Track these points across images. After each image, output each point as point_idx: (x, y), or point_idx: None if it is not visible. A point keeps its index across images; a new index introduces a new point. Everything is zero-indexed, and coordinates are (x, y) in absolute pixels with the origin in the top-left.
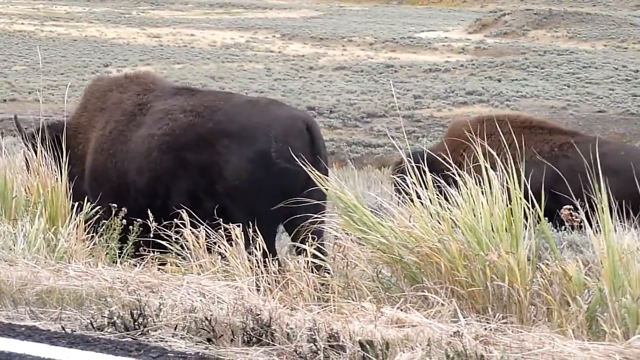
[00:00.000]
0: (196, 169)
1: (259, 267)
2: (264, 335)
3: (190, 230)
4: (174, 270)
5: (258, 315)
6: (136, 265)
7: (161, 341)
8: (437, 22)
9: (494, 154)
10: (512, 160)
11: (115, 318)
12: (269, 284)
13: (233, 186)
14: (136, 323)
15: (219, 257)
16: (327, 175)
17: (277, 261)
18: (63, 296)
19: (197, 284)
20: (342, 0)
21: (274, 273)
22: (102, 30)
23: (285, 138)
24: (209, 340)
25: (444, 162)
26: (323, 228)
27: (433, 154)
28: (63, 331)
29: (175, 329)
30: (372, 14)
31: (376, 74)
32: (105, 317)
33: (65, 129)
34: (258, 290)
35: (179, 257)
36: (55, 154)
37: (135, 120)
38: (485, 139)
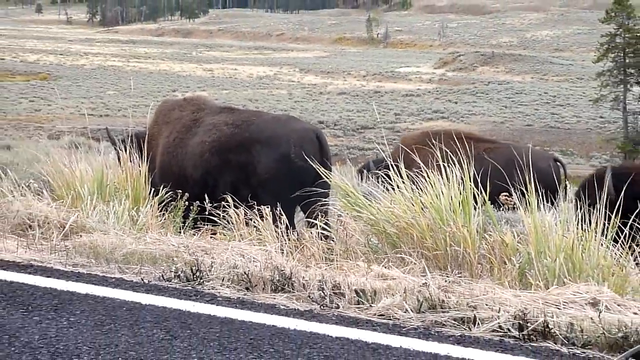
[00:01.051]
0: (236, 167)
1: (282, 236)
2: (286, 285)
3: (234, 209)
4: (221, 238)
5: (282, 270)
6: (194, 235)
7: (212, 289)
8: (412, 60)
9: (438, 157)
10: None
11: (179, 272)
12: (290, 248)
13: (264, 179)
14: (194, 276)
15: (254, 229)
16: (331, 171)
17: (295, 232)
18: (142, 256)
19: (238, 248)
20: (343, 45)
21: (293, 240)
22: (170, 65)
23: (301, 144)
24: (246, 288)
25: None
26: (329, 208)
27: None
28: (142, 282)
29: (222, 280)
30: (365, 54)
31: (367, 98)
32: (172, 271)
33: (144, 136)
34: (282, 252)
35: (225, 229)
36: (138, 154)
37: (191, 131)
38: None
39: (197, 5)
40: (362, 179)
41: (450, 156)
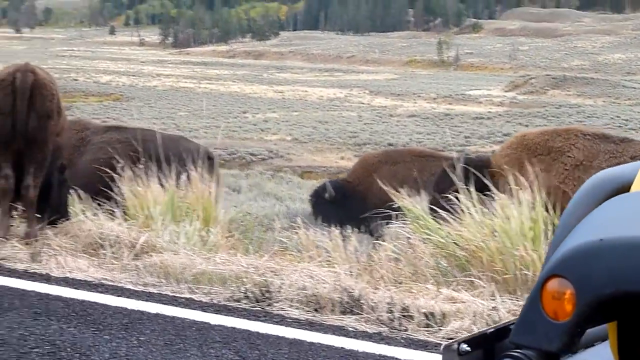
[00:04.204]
0: None
1: (352, 258)
2: (355, 307)
3: (304, 231)
4: (291, 259)
5: (351, 292)
6: (264, 255)
7: (281, 310)
8: (482, 83)
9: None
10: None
11: (249, 293)
12: (359, 270)
13: None
14: (264, 297)
15: (323, 250)
16: None
17: (364, 254)
18: (212, 277)
19: (307, 270)
20: (414, 68)
21: (362, 262)
22: (241, 87)
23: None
24: (315, 310)
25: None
26: (399, 231)
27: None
28: (211, 302)
29: (291, 301)
30: (435, 77)
31: (437, 120)
32: (241, 292)
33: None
34: (351, 274)
35: (295, 250)
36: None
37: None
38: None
39: (268, 28)
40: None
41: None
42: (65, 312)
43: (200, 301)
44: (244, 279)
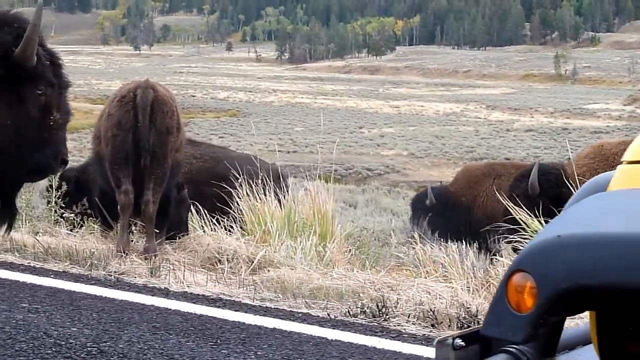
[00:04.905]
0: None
1: (469, 273)
2: (472, 322)
3: (420, 247)
4: (407, 274)
5: (468, 308)
6: (380, 271)
7: (398, 325)
8: (600, 97)
9: None
10: None
11: (365, 308)
12: (476, 286)
13: None
14: (380, 312)
15: (440, 265)
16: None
17: (482, 269)
18: (328, 292)
19: (424, 285)
20: (530, 82)
21: (480, 278)
22: (357, 102)
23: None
24: (432, 325)
25: None
26: (517, 247)
27: None
28: (328, 317)
29: (408, 317)
30: (552, 91)
31: (555, 135)
32: (358, 307)
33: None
34: (468, 290)
35: (412, 265)
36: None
37: None
38: None
39: (384, 43)
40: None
41: None
42: (183, 327)
43: (317, 316)
44: (361, 294)
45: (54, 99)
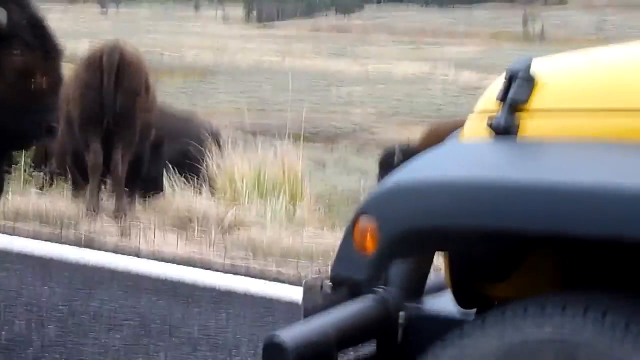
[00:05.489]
0: None
1: None
2: None
3: None
4: None
5: None
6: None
7: None
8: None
9: None
10: None
11: None
12: None
13: None
14: None
15: None
16: None
17: None
18: (299, 252)
19: None
20: (500, 41)
21: None
22: (326, 61)
23: None
24: None
25: None
26: None
27: None
28: (300, 276)
29: None
30: (521, 50)
31: None
32: (329, 266)
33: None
34: None
35: None
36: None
37: None
38: None
39: (352, 1)
40: None
41: None
42: (155, 287)
43: (289, 274)
44: (332, 254)
45: (36, 62)
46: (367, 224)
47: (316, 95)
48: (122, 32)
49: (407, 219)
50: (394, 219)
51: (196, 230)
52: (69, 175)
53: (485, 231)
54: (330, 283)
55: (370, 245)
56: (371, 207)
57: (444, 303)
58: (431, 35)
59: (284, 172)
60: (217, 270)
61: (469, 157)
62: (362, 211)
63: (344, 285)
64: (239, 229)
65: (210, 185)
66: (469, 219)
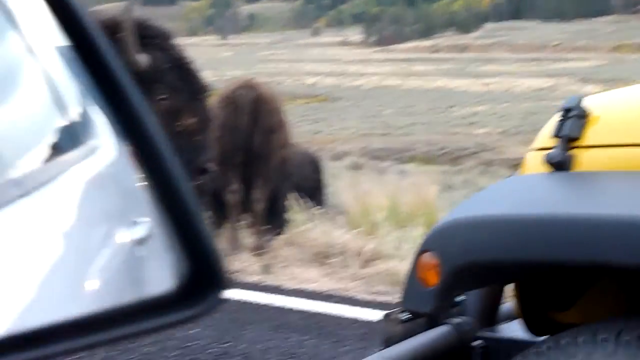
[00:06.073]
0: None
1: None
2: None
3: None
4: None
5: None
6: None
7: None
8: None
9: None
10: None
11: None
12: None
13: None
14: None
15: None
16: None
17: None
18: None
19: None
20: (622, 53)
21: None
22: (446, 81)
23: None
24: None
25: None
26: None
27: None
28: None
29: None
30: None
31: None
32: None
33: None
34: None
35: None
36: None
37: None
38: None
39: (471, 20)
40: None
41: None
42: (302, 325)
43: None
44: None
45: (183, 104)
46: (429, 259)
47: (439, 116)
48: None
49: (466, 254)
50: (454, 254)
51: (335, 264)
52: (209, 214)
53: (542, 264)
54: (407, 315)
55: (433, 279)
56: (432, 243)
57: (516, 330)
58: (552, 50)
59: (418, 200)
60: (360, 305)
61: (526, 193)
62: (424, 247)
63: (415, 316)
64: (377, 261)
65: (343, 216)
66: (524, 252)
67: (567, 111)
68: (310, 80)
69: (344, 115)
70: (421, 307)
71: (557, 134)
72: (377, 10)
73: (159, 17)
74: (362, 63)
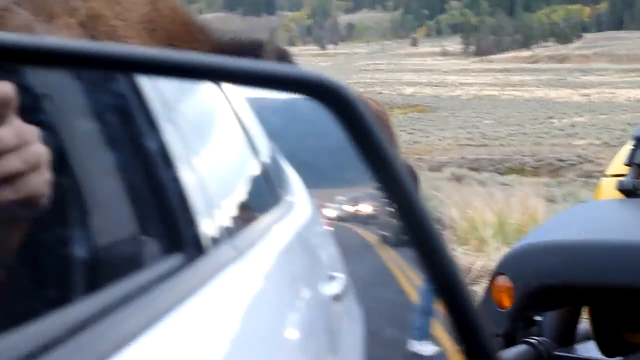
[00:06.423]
0: None
1: None
2: None
3: None
4: None
5: None
6: None
7: None
8: None
9: None
10: None
11: None
12: None
13: None
14: None
15: None
16: None
17: None
18: None
19: None
20: None
21: None
22: (546, 92)
23: None
24: None
25: None
26: None
27: None
28: None
29: None
30: None
31: None
32: None
33: None
34: None
35: None
36: None
37: None
38: None
39: (571, 30)
40: None
41: None
42: None
43: None
44: None
45: None
46: (503, 282)
47: (537, 127)
48: (341, 70)
49: (539, 277)
50: (527, 277)
51: None
52: None
53: (612, 288)
54: None
55: (507, 301)
56: (506, 267)
57: (591, 350)
58: None
59: (524, 214)
60: None
61: (597, 219)
62: (498, 271)
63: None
64: (486, 278)
65: (447, 230)
66: (595, 276)
67: (639, 140)
68: (409, 90)
69: (442, 125)
70: (496, 327)
71: (629, 162)
72: (476, 21)
73: (258, 27)
74: (461, 73)
